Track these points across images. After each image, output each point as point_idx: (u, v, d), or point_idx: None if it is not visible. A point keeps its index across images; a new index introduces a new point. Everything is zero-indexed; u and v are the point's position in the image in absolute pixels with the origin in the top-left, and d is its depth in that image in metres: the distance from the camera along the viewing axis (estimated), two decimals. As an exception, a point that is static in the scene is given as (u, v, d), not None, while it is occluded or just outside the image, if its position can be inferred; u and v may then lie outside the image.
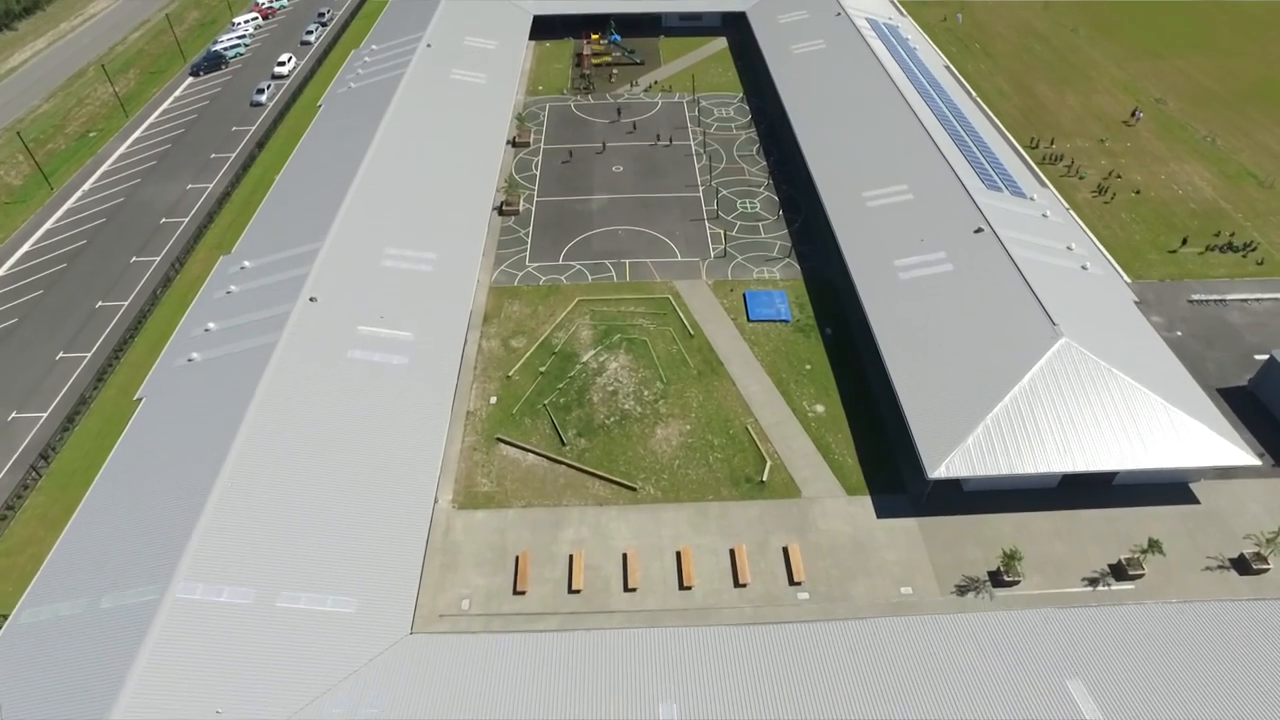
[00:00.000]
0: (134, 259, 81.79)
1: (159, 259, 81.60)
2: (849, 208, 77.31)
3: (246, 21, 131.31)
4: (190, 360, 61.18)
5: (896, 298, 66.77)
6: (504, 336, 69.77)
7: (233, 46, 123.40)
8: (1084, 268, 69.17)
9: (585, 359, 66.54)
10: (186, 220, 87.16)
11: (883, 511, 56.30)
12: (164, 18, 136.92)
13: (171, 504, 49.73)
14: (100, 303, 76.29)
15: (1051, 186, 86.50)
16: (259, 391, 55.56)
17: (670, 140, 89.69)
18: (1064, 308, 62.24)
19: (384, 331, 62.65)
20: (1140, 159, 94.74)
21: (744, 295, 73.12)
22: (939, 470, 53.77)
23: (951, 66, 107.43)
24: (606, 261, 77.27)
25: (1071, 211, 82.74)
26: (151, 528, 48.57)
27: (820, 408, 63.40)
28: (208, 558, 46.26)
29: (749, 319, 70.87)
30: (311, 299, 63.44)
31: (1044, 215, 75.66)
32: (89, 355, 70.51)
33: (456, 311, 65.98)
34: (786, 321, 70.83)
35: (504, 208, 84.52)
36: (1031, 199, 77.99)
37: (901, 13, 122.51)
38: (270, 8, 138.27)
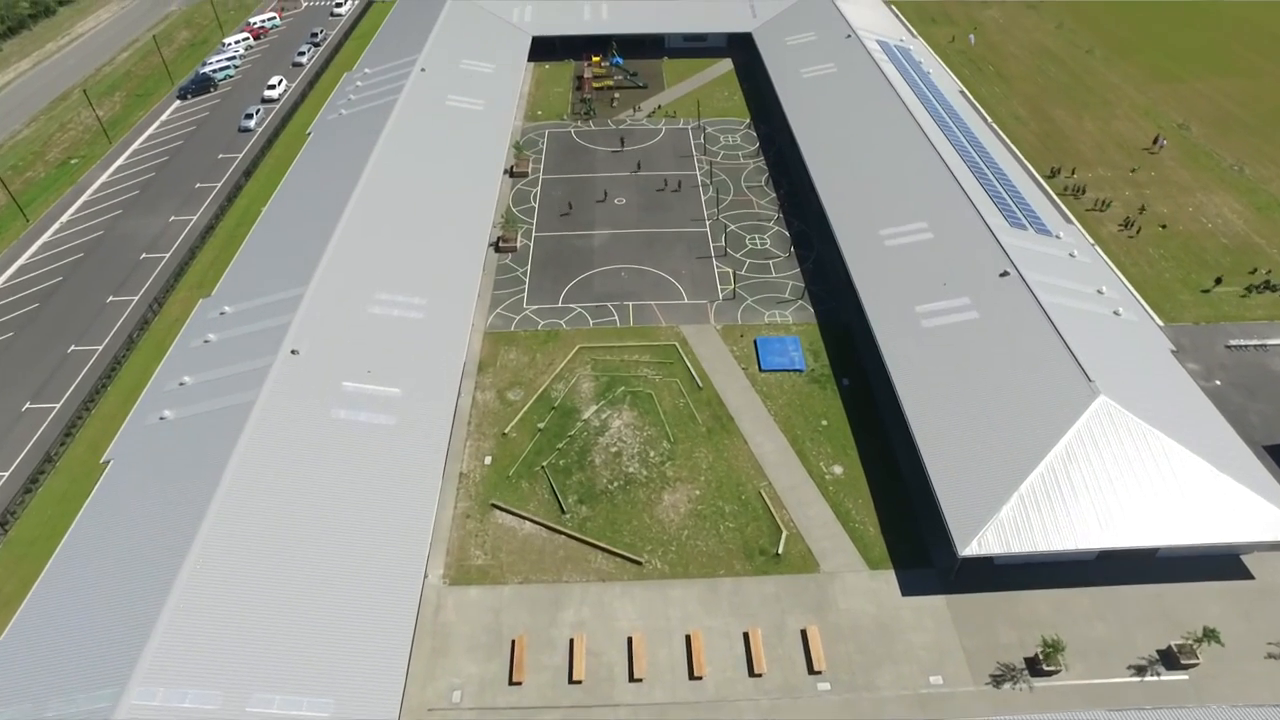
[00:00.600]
0: (111, 299, 77.60)
1: (137, 299, 77.40)
2: (865, 247, 73.14)
3: (237, 42, 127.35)
4: (162, 418, 56.89)
5: (919, 348, 62.55)
6: (500, 388, 65.51)
7: (222, 68, 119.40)
8: (1116, 313, 65.05)
9: (586, 415, 62.24)
10: (168, 256, 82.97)
11: (908, 588, 52.00)
12: (152, 39, 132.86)
13: (134, 589, 45.47)
14: (73, 347, 72.08)
15: (1076, 221, 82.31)
16: (234, 458, 51.35)
17: (679, 186, 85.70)
18: (1099, 361, 58.11)
19: (370, 388, 58.37)
20: (1165, 189, 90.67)
21: (755, 342, 68.91)
22: (970, 548, 49.49)
23: (966, 91, 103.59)
24: (609, 304, 73.05)
25: (1097, 248, 78.66)
26: (110, 618, 44.26)
27: (838, 469, 59.11)
28: (171, 654, 41.94)
29: (760, 368, 66.64)
30: (293, 351, 59.24)
31: (1071, 255, 71.58)
32: (58, 406, 66.28)
33: (449, 365, 61.67)
34: (800, 371, 66.58)
35: (500, 244, 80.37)
36: (1057, 237, 73.87)
37: (913, 34, 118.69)
38: (262, 27, 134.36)
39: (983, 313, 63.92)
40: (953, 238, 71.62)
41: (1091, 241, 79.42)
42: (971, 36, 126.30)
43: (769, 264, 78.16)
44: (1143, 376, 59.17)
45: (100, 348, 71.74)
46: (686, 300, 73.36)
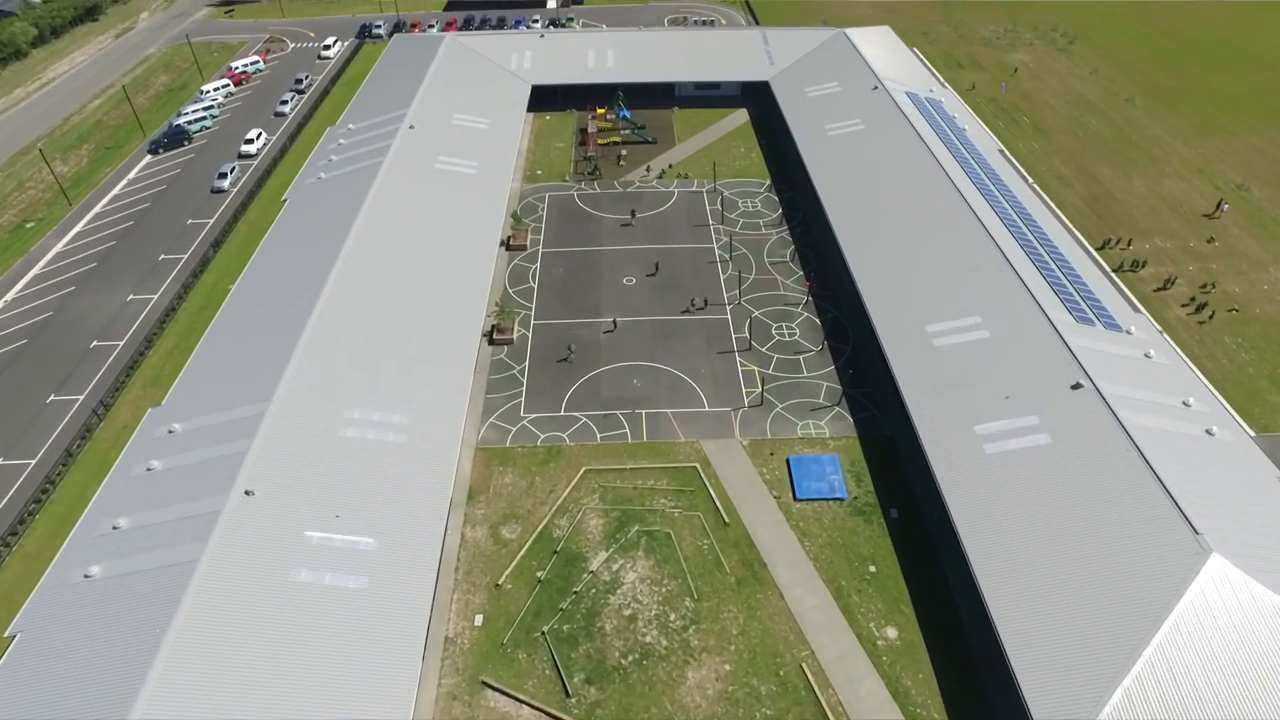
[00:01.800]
0: (52, 398, 68.47)
1: (82, 399, 68.26)
2: (911, 348, 63.99)
3: (216, 89, 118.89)
4: (87, 577, 47.49)
5: (984, 482, 53.23)
6: (493, 522, 56.17)
7: (198, 119, 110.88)
8: (1209, 432, 55.76)
9: (595, 565, 52.78)
10: (121, 345, 73.86)
11: (989, 801, 42.47)
12: (128, 82, 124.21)
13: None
14: (0, 461, 62.81)
15: (1143, 309, 73.21)
16: (169, 640, 42.09)
17: (705, 302, 74.17)
18: (1202, 503, 48.85)
19: (339, 538, 49.04)
20: (1233, 262, 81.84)
21: (788, 462, 59.69)
22: (1072, 766, 40.01)
23: (1005, 150, 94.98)
24: (619, 413, 63.82)
25: (1166, 336, 69.54)
26: None
27: (892, 631, 49.70)
28: None
29: (795, 497, 57.36)
30: (247, 492, 49.96)
31: (1146, 355, 62.38)
32: (-24, 541, 56.94)
33: (433, 505, 52.26)
34: (842, 500, 57.29)
35: (495, 335, 71.26)
36: (1128, 332, 64.75)
37: (942, 84, 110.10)
38: (244, 73, 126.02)
39: (1055, 437, 54.67)
40: (1012, 337, 62.55)
41: (1159, 329, 70.35)
42: (1004, 85, 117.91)
43: (799, 360, 69.00)
44: (1255, 521, 49.79)
45: (33, 462, 62.55)
46: (708, 408, 64.16)
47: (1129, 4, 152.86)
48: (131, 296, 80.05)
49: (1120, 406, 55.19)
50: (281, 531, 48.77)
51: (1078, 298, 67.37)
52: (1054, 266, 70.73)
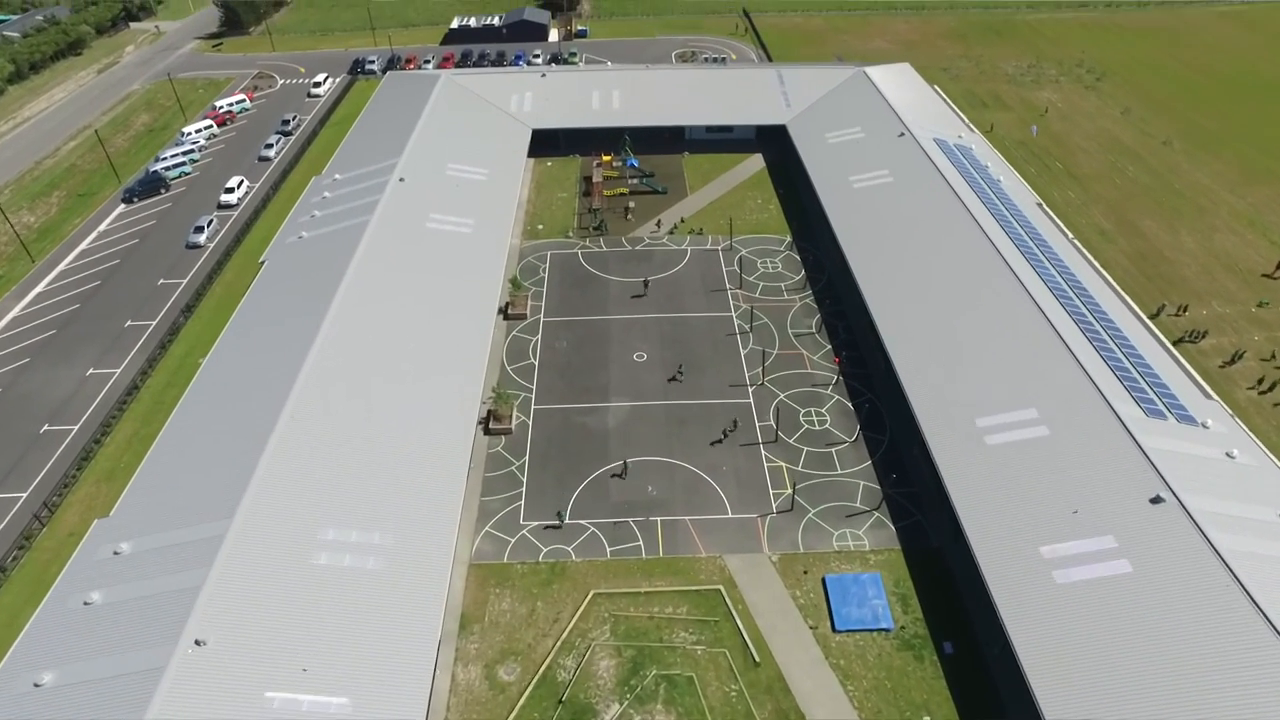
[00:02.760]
0: (-7, 496, 61.11)
1: (25, 497, 60.91)
2: (960, 447, 56.59)
3: (198, 131, 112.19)
4: (3, 747, 39.98)
5: (1054, 618, 45.71)
6: (489, 660, 48.56)
7: (177, 165, 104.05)
8: (1312, 554, 48.23)
9: (605, 723, 45.23)
10: (75, 430, 66.54)
11: None
12: (94, 133, 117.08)
13: None
14: (-73, 578, 55.35)
15: (1214, 393, 65.64)
16: None
17: (736, 424, 63.61)
18: (1323, 655, 41.27)
19: (306, 700, 41.50)
20: (1300, 332, 74.64)
21: (824, 582, 52.20)
22: None
23: (1044, 204, 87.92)
24: (630, 521, 56.33)
25: (1243, 425, 61.95)
26: None
27: (958, 807, 41.98)
28: None
29: (834, 628, 49.81)
30: (198, 642, 42.48)
31: (1229, 455, 54.96)
32: (-108, 680, 49.09)
33: (417, 649, 44.66)
34: (888, 630, 49.76)
35: (491, 423, 63.92)
36: (1204, 425, 57.42)
37: (970, 127, 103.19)
38: (229, 112, 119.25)
39: (1137, 564, 47.19)
40: (1075, 435, 55.20)
41: (1232, 414, 62.74)
42: (1034, 127, 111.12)
43: (832, 454, 61.58)
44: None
45: (-37, 579, 55.01)
46: (731, 514, 56.68)
47: (1157, 39, 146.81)
48: (92, 371, 72.77)
49: (1209, 525, 47.94)
50: (236, 693, 41.24)
51: (1144, 385, 60.10)
52: (1114, 346, 63.51)
